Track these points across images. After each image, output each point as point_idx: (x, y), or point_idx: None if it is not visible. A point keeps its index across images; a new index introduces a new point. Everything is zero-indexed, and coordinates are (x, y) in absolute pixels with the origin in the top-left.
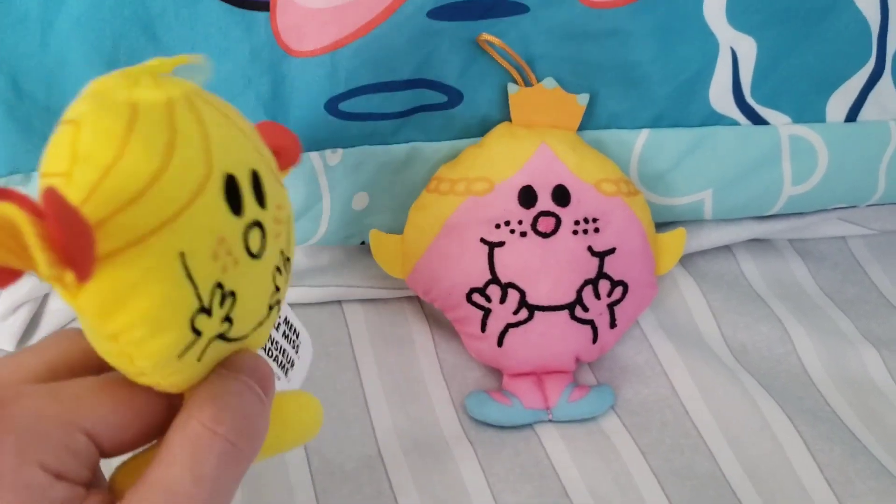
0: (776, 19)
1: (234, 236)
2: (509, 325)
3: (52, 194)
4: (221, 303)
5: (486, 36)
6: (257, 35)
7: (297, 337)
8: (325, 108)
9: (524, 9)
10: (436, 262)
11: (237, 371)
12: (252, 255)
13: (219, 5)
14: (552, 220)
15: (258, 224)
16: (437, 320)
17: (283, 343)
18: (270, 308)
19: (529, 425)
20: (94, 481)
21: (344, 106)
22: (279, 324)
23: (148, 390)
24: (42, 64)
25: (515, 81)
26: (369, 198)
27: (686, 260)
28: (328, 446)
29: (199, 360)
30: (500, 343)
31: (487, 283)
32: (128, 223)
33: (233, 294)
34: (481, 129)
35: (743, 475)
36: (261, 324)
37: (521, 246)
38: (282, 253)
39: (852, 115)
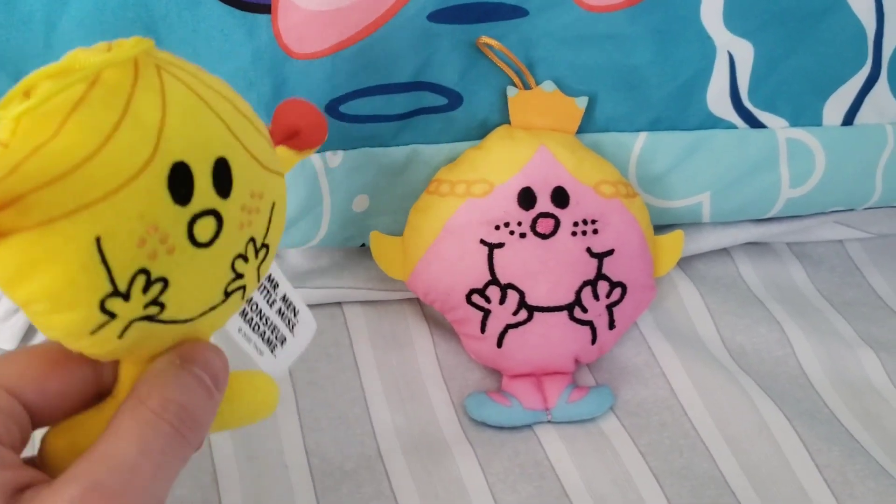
0: (772, 23)
1: (173, 225)
2: (509, 326)
3: None
4: (146, 288)
5: (485, 39)
6: (259, 37)
7: (296, 316)
8: (326, 109)
9: (523, 12)
10: (436, 263)
11: (190, 362)
12: (198, 244)
13: (221, 8)
14: (551, 222)
15: (213, 212)
16: (437, 322)
17: (276, 320)
18: (228, 294)
19: (529, 426)
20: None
21: (345, 108)
22: (274, 300)
23: (80, 358)
24: (46, 65)
25: (515, 84)
26: (370, 200)
27: (684, 263)
28: (328, 446)
29: (119, 337)
30: (499, 344)
31: (487, 285)
32: (42, 203)
33: (163, 280)
34: (481, 131)
35: (742, 475)
36: (213, 308)
37: (521, 247)
38: (252, 240)
39: (849, 119)
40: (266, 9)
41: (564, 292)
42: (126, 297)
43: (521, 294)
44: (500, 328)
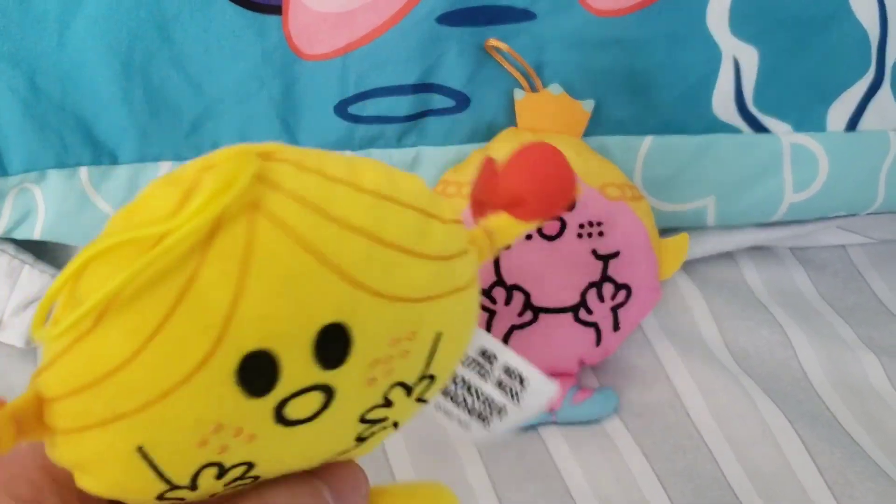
0: (777, 29)
1: (248, 418)
2: (514, 327)
3: None
4: (219, 475)
5: (493, 42)
6: (269, 38)
7: (522, 384)
8: (335, 110)
9: (531, 16)
10: None
11: (316, 475)
12: (293, 423)
13: (232, 8)
14: (557, 223)
15: (322, 387)
16: None
17: (493, 393)
18: (363, 439)
19: (533, 427)
20: None
21: (353, 109)
22: (491, 374)
23: None
24: (59, 63)
25: (522, 87)
26: None
27: (688, 266)
28: None
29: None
30: (504, 345)
31: (493, 285)
32: (71, 412)
33: (247, 464)
34: (488, 133)
35: (744, 477)
36: (343, 453)
37: (527, 248)
38: (401, 385)
39: (852, 125)
40: (277, 10)
41: (570, 294)
42: (192, 488)
43: (527, 295)
44: (506, 329)
